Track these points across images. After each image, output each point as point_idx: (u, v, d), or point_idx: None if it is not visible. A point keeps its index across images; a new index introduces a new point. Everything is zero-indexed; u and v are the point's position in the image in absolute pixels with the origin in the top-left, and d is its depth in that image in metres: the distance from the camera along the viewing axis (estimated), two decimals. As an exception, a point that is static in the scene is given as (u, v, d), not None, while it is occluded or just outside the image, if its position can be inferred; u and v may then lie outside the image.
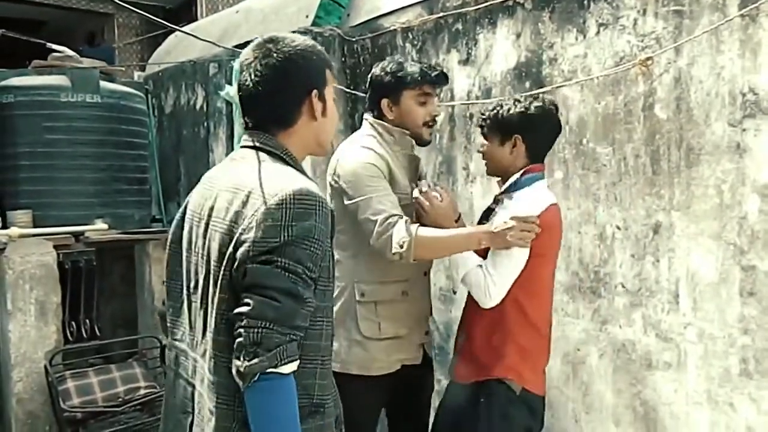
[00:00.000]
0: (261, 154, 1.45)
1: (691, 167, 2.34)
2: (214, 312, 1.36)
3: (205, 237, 1.43)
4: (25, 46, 6.33)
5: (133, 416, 3.88)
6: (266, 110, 1.47)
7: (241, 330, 1.25)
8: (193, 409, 1.48)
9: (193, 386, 1.49)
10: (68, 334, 4.18)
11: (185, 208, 1.57)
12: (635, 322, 2.54)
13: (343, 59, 3.90)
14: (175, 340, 1.57)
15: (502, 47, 3.01)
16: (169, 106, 5.79)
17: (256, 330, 1.24)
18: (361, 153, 2.12)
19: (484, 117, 2.16)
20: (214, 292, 1.36)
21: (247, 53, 1.48)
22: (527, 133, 2.10)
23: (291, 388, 1.28)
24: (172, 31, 5.54)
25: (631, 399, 2.57)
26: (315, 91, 1.47)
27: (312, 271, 1.32)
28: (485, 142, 2.18)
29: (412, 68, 2.16)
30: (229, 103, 4.51)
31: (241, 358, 1.24)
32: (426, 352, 2.31)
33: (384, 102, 2.18)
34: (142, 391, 3.88)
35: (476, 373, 2.12)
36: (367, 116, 2.25)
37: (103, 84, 4.71)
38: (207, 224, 1.43)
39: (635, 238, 2.52)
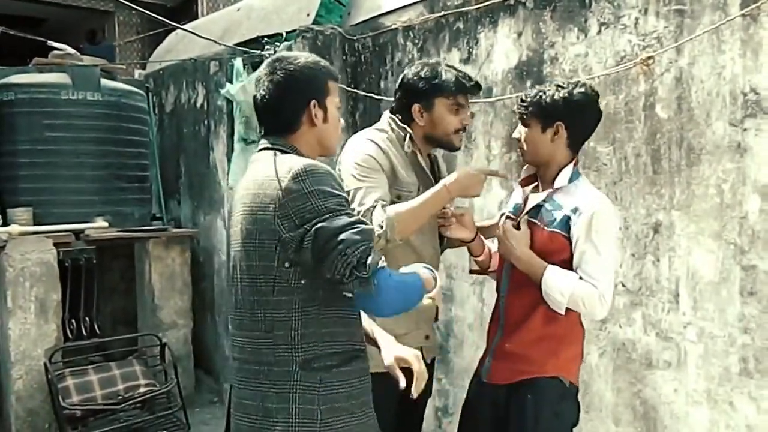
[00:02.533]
0: (276, 151, 1.69)
1: (691, 167, 2.35)
2: (259, 279, 1.61)
3: (236, 226, 1.68)
4: (25, 44, 6.33)
5: (133, 414, 3.89)
6: (273, 118, 1.73)
7: (347, 259, 1.48)
8: (234, 380, 1.72)
9: (234, 359, 1.72)
10: (68, 332, 4.19)
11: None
12: (635, 321, 2.54)
13: (344, 58, 3.90)
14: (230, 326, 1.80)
15: (503, 46, 3.01)
16: (169, 104, 5.79)
17: (357, 250, 1.49)
18: (362, 144, 2.12)
19: (524, 102, 2.04)
20: (252, 265, 1.62)
21: (260, 70, 1.76)
22: (570, 119, 2.00)
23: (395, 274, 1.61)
24: (173, 29, 5.55)
25: (631, 398, 2.58)
26: (314, 101, 1.71)
27: (347, 211, 1.57)
28: (523, 128, 2.06)
29: (448, 75, 2.13)
30: (229, 101, 4.51)
31: (359, 272, 1.48)
32: (424, 357, 2.26)
33: (416, 107, 2.15)
34: (142, 389, 3.89)
35: (521, 372, 2.05)
36: (388, 114, 2.23)
37: (104, 82, 4.72)
38: (237, 215, 1.68)
39: (635, 237, 2.52)
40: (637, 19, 2.48)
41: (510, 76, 2.97)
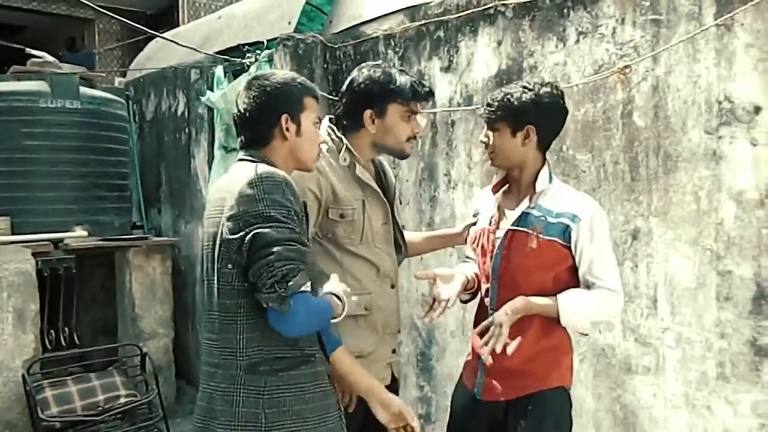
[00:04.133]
0: (247, 162, 1.74)
1: (668, 174, 2.38)
2: (214, 281, 1.65)
3: (204, 231, 1.74)
4: (3, 52, 6.27)
5: (113, 425, 3.85)
6: (248, 131, 1.79)
7: (273, 270, 1.51)
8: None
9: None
10: (47, 343, 4.14)
11: None
12: (615, 327, 2.56)
13: (325, 66, 3.90)
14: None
15: (483, 55, 3.04)
16: (150, 112, 5.76)
17: (284, 267, 1.52)
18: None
19: (491, 106, 1.97)
20: (211, 267, 1.66)
21: (241, 86, 1.82)
22: (540, 122, 1.95)
23: (314, 299, 1.63)
24: (154, 36, 5.52)
25: (611, 403, 2.60)
26: (286, 116, 1.75)
27: (291, 226, 1.58)
28: (490, 132, 1.99)
29: (403, 80, 2.03)
30: (210, 109, 4.50)
31: (278, 288, 1.51)
32: (393, 373, 2.17)
33: (367, 113, 2.03)
34: (122, 400, 3.85)
35: (523, 387, 1.98)
36: (327, 121, 2.11)
37: (83, 90, 4.69)
38: (206, 220, 1.74)
39: (614, 243, 2.54)
40: (614, 28, 2.52)
41: (490, 84, 2.99)
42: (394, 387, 2.14)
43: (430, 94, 2.11)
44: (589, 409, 2.67)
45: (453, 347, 3.25)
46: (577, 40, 2.64)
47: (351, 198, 2.03)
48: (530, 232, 1.95)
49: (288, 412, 1.61)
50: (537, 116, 1.94)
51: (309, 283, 1.58)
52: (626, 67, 2.46)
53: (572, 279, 1.98)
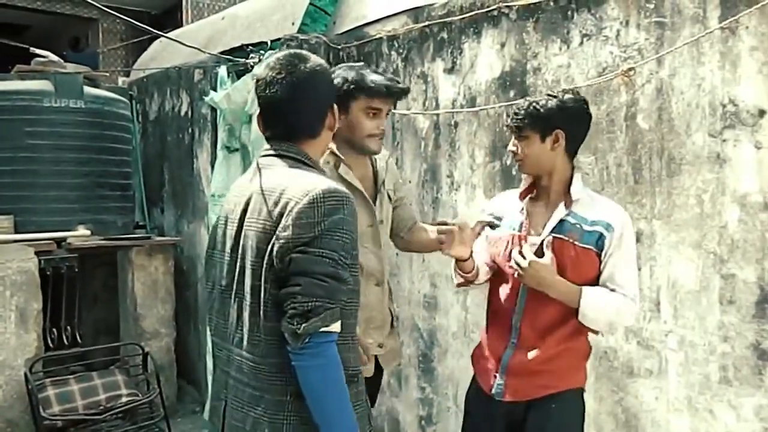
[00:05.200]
0: (285, 160, 1.62)
1: (672, 177, 2.37)
2: (261, 302, 1.53)
3: (237, 238, 1.61)
4: (8, 51, 6.29)
5: (115, 424, 3.86)
6: (293, 121, 1.62)
7: (295, 304, 1.44)
8: (227, 395, 1.65)
9: (227, 374, 1.66)
10: (49, 342, 4.14)
11: (219, 217, 1.75)
12: (617, 330, 2.56)
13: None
14: (212, 334, 1.76)
15: (486, 56, 3.03)
16: (153, 112, 5.77)
17: (308, 303, 1.44)
18: None
19: (519, 115, 2.00)
20: (257, 285, 1.53)
21: (271, 66, 1.62)
22: (567, 125, 1.99)
23: (335, 350, 1.49)
24: (157, 36, 5.53)
25: (613, 406, 2.59)
26: (333, 105, 1.67)
27: (345, 257, 1.51)
28: (520, 141, 2.02)
29: (369, 78, 2.09)
30: (213, 110, 4.50)
31: (296, 323, 1.43)
32: (380, 365, 2.26)
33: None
34: (124, 399, 3.86)
35: (545, 387, 2.02)
36: None
37: (87, 89, 4.70)
38: (240, 226, 1.60)
39: (617, 246, 2.54)
40: (618, 31, 2.52)
41: (493, 86, 2.99)
42: (377, 379, 2.29)
43: (398, 92, 2.14)
44: (591, 411, 2.66)
45: (454, 348, 3.25)
46: (581, 43, 2.64)
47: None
48: (568, 239, 1.98)
49: None
50: (564, 120, 1.99)
51: (337, 324, 1.49)
52: (630, 69, 2.45)
53: None
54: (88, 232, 4.40)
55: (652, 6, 2.41)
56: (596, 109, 2.60)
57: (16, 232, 4.15)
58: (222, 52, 4.40)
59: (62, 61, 5.10)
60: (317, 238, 1.46)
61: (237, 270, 1.60)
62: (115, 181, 4.85)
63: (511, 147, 2.08)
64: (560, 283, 1.96)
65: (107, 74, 6.83)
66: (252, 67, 3.98)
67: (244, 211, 1.60)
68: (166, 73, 5.42)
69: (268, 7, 4.63)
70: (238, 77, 4.11)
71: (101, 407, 3.75)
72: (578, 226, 1.99)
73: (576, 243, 1.97)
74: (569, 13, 2.68)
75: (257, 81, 1.65)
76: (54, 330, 4.20)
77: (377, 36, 3.59)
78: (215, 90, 4.25)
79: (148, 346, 4.31)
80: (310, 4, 4.01)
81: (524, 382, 2.04)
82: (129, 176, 5.13)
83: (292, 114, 1.61)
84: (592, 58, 2.60)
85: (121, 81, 6.40)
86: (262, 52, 3.98)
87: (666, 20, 2.37)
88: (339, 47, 3.82)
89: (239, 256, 1.59)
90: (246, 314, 1.57)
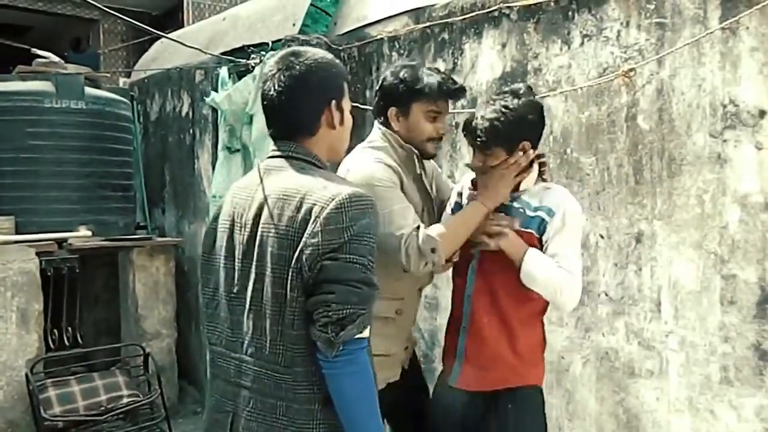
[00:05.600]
0: (295, 162, 1.57)
1: (672, 177, 2.37)
2: (285, 310, 1.48)
3: (250, 244, 1.54)
4: (9, 52, 6.29)
5: (116, 425, 3.86)
6: (289, 119, 1.59)
7: (329, 312, 1.41)
8: (236, 407, 1.58)
9: (236, 385, 1.59)
10: (50, 342, 4.14)
11: (216, 218, 1.68)
12: (618, 330, 2.56)
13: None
14: (212, 344, 1.68)
15: (487, 57, 3.04)
16: (154, 113, 5.77)
17: (342, 311, 1.41)
18: (372, 165, 1.99)
19: (482, 134, 1.95)
20: (280, 293, 1.48)
21: (270, 65, 1.60)
22: (531, 135, 2.00)
23: (367, 356, 1.49)
24: (159, 37, 5.54)
25: (614, 406, 2.59)
26: (333, 101, 1.59)
27: (372, 261, 1.48)
28: (481, 157, 2.00)
29: (429, 80, 2.02)
30: (214, 110, 4.51)
31: (329, 331, 1.41)
32: (403, 367, 2.23)
33: (392, 111, 2.05)
34: (125, 400, 3.86)
35: (499, 380, 2.02)
36: (379, 125, 2.12)
37: (88, 90, 4.70)
38: (253, 231, 1.54)
39: (618, 247, 2.55)
40: (619, 31, 2.52)
41: (494, 86, 2.99)
42: (410, 378, 2.24)
43: (459, 91, 2.09)
44: (592, 412, 2.66)
45: (456, 349, 3.24)
46: (582, 43, 2.64)
47: (416, 203, 2.05)
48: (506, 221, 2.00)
49: None
50: (527, 131, 1.99)
51: (368, 329, 1.47)
52: (630, 70, 2.45)
53: None
54: (89, 233, 4.40)
55: (652, 7, 2.41)
56: (597, 110, 2.60)
57: (18, 232, 4.15)
58: (223, 53, 4.40)
59: (63, 61, 5.10)
60: (346, 243, 1.44)
61: (252, 277, 1.53)
62: (117, 181, 4.86)
63: (476, 163, 2.03)
64: (509, 241, 1.96)
65: (108, 75, 6.84)
66: (253, 68, 3.99)
67: (257, 216, 1.53)
68: (167, 73, 5.42)
69: (269, 8, 4.64)
70: (239, 78, 4.11)
71: (102, 408, 3.76)
72: (522, 210, 2.02)
73: (519, 228, 1.99)
74: (570, 13, 2.68)
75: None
76: (55, 331, 4.20)
77: (378, 37, 3.59)
78: (216, 91, 4.26)
79: (149, 346, 4.32)
80: (311, 5, 4.02)
81: (477, 373, 2.03)
82: (130, 177, 5.13)
83: (287, 111, 1.57)
84: (593, 58, 2.61)
85: (122, 82, 6.41)
86: (263, 53, 3.98)
87: (666, 21, 2.38)
88: (340, 48, 3.82)
89: (254, 263, 1.53)
90: (267, 323, 1.51)
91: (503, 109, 1.95)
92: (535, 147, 2.04)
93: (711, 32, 2.24)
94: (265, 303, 1.51)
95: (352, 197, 1.46)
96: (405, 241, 1.86)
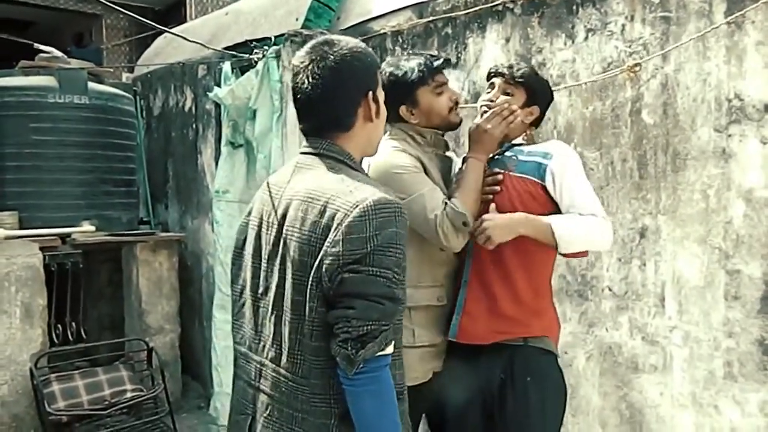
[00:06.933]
0: (327, 161, 1.49)
1: (677, 172, 2.37)
2: (305, 319, 1.41)
3: (276, 245, 1.48)
4: (12, 47, 6.30)
5: (120, 419, 3.87)
6: (324, 115, 1.49)
7: (349, 328, 1.33)
8: (255, 411, 1.54)
9: (256, 388, 1.54)
10: (54, 337, 4.15)
11: (249, 213, 1.62)
12: (622, 326, 2.56)
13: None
14: (236, 343, 1.62)
15: (491, 51, 3.03)
16: (157, 108, 5.77)
17: (363, 327, 1.33)
18: (393, 154, 1.98)
19: (519, 69, 2.01)
20: (300, 300, 1.41)
21: (301, 56, 1.50)
22: (543, 105, 2.05)
23: (389, 373, 1.40)
24: (161, 32, 5.53)
25: (618, 401, 2.59)
26: (370, 93, 1.51)
27: (399, 274, 1.39)
28: (497, 93, 2.03)
29: (413, 64, 2.03)
30: (217, 105, 4.51)
31: (350, 348, 1.33)
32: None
33: (402, 108, 2.05)
34: (129, 395, 3.87)
35: (499, 331, 1.92)
36: (390, 125, 2.08)
37: (91, 85, 4.70)
38: (279, 232, 1.47)
39: (622, 241, 2.54)
40: (623, 25, 2.51)
41: (498, 81, 2.98)
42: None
43: (446, 62, 2.10)
44: (595, 407, 2.66)
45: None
46: (586, 37, 2.63)
47: (441, 187, 2.02)
48: (500, 171, 1.97)
49: None
50: (543, 99, 2.07)
51: (391, 346, 1.39)
52: (636, 65, 2.44)
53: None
54: (93, 228, 4.41)
55: (657, 1, 2.40)
56: (601, 104, 2.59)
57: (21, 227, 4.16)
58: (226, 48, 4.40)
59: (66, 57, 5.10)
60: (369, 254, 1.34)
61: (276, 280, 1.47)
62: (120, 177, 4.86)
63: (491, 96, 2.06)
64: (522, 216, 1.87)
65: (111, 70, 6.84)
66: (256, 62, 3.98)
67: (284, 217, 1.47)
68: (170, 69, 5.42)
69: (272, 3, 4.63)
70: (242, 73, 4.11)
71: (106, 402, 3.77)
72: (513, 157, 2.00)
73: (511, 173, 1.95)
74: (574, 7, 2.67)
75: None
76: (59, 325, 4.21)
77: (381, 31, 3.58)
78: (219, 86, 4.26)
79: (152, 341, 4.33)
80: (314, -1, 4.01)
81: (475, 324, 1.94)
82: (133, 172, 5.13)
83: (322, 106, 1.47)
84: (597, 53, 2.60)
85: (125, 77, 6.40)
86: (266, 47, 3.98)
87: (671, 15, 2.36)
88: (343, 43, 3.81)
89: (278, 265, 1.47)
90: (285, 330, 1.45)
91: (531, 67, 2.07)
92: (536, 122, 2.10)
93: (716, 27, 2.23)
94: (285, 309, 1.44)
95: (377, 204, 1.36)
96: (439, 223, 1.85)
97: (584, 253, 2.04)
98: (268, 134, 3.94)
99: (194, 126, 5.12)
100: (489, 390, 1.96)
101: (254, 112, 3.96)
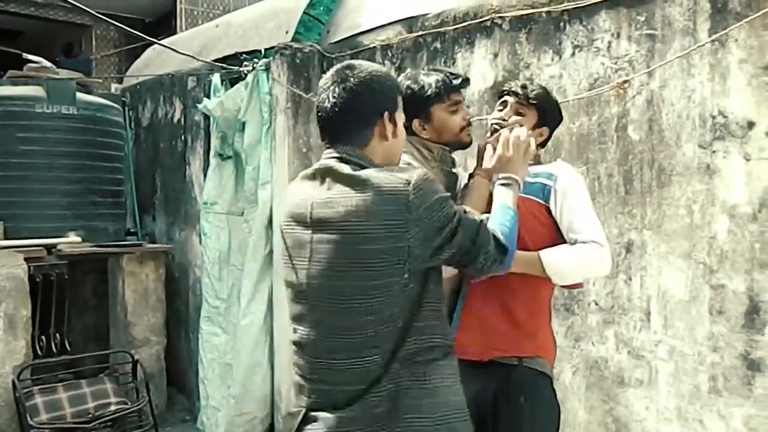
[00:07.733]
0: (351, 165, 1.57)
1: (662, 187, 2.39)
2: (373, 302, 1.50)
3: (324, 242, 1.54)
4: (0, 56, 6.27)
5: (103, 432, 3.82)
6: (341, 130, 1.60)
7: (488, 255, 1.57)
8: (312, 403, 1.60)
9: (308, 380, 1.60)
10: (38, 349, 4.11)
11: (289, 216, 1.67)
12: (608, 340, 2.57)
13: (322, 75, 3.91)
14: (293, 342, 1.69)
15: (479, 66, 3.05)
16: (146, 119, 5.76)
17: (493, 250, 1.58)
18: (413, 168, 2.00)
19: (533, 90, 2.02)
20: (374, 285, 1.50)
21: (326, 78, 1.65)
22: (551, 128, 2.07)
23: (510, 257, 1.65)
24: (151, 43, 5.54)
25: (604, 416, 2.60)
26: (386, 113, 1.60)
27: (454, 206, 1.56)
28: (509, 113, 2.03)
29: (432, 80, 2.04)
30: (206, 117, 4.51)
31: (501, 258, 1.60)
32: None
33: (415, 122, 2.05)
34: (113, 407, 3.83)
35: (493, 348, 1.94)
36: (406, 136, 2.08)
37: (80, 95, 4.69)
38: (320, 230, 1.54)
39: (608, 256, 2.55)
40: (609, 42, 2.54)
41: (486, 96, 3.01)
42: None
43: (465, 81, 2.11)
44: (581, 421, 2.66)
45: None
46: (573, 54, 2.66)
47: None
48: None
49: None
50: (555, 120, 2.08)
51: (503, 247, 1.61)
52: (625, 81, 2.47)
53: (552, 240, 1.94)
54: (79, 239, 4.38)
55: (642, 18, 2.44)
56: (587, 120, 2.62)
57: (6, 238, 4.13)
58: (216, 60, 4.41)
59: (55, 67, 5.09)
60: (443, 213, 1.50)
61: (312, 282, 1.57)
62: (107, 187, 4.84)
63: (502, 115, 2.04)
64: (518, 260, 1.82)
65: (100, 81, 6.81)
66: (245, 75, 3.99)
67: (322, 216, 1.55)
68: (160, 80, 5.42)
69: (262, 16, 4.65)
70: (232, 85, 4.12)
71: (90, 415, 3.72)
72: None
73: (521, 194, 1.92)
74: (561, 24, 2.70)
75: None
76: (43, 337, 4.17)
77: (371, 45, 3.60)
78: (208, 97, 4.26)
79: (138, 353, 4.29)
80: (304, 13, 4.03)
81: (470, 338, 1.94)
82: (121, 183, 5.11)
83: (339, 122, 1.59)
84: (584, 69, 2.62)
85: (114, 88, 6.39)
86: (255, 60, 3.99)
87: (657, 33, 2.40)
88: (332, 56, 3.83)
89: (335, 264, 1.54)
90: (336, 318, 1.54)
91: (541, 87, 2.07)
92: (543, 145, 2.10)
93: (701, 45, 2.26)
94: (342, 301, 1.53)
95: (420, 177, 1.50)
96: None
97: (579, 285, 2.04)
98: (257, 146, 3.94)
99: (183, 137, 5.11)
100: (484, 408, 1.95)
101: (243, 124, 3.97)
